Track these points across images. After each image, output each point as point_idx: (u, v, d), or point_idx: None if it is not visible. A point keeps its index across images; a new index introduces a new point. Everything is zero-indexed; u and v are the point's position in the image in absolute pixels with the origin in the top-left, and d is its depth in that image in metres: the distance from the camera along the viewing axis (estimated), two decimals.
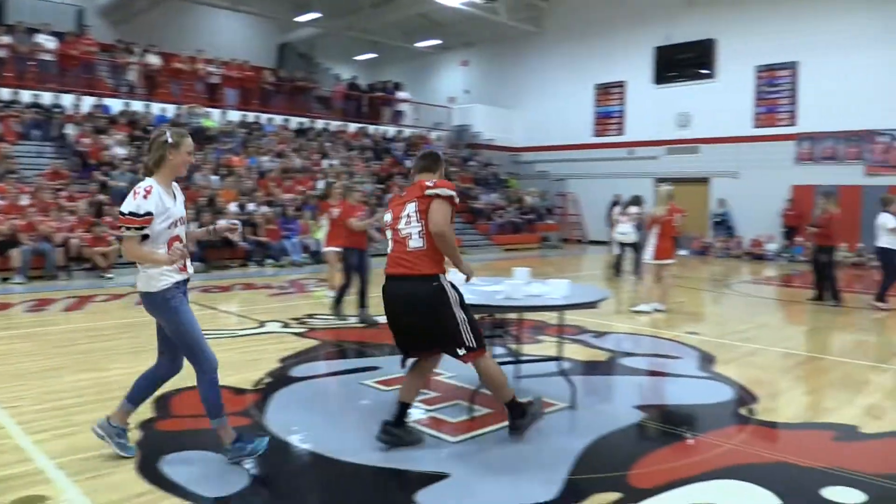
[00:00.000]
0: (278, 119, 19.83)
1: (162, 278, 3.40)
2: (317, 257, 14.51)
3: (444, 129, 24.24)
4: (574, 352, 6.27)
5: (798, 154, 18.94)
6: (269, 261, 13.96)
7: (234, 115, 19.05)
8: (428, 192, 3.74)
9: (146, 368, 3.77)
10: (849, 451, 4.06)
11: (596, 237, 22.59)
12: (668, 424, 4.44)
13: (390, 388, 5.04)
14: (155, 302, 3.43)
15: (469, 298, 4.47)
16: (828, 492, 3.42)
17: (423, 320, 3.78)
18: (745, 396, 5.08)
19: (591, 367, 5.90)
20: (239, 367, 5.59)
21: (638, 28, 21.75)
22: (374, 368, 5.64)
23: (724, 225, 20.01)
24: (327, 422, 4.34)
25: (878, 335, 7.84)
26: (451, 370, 5.54)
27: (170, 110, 17.84)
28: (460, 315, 3.78)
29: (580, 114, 23.34)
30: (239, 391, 4.93)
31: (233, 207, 14.35)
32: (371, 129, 21.52)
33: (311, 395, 4.96)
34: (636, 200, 12.86)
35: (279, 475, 3.56)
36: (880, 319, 8.81)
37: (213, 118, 18.39)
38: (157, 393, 3.95)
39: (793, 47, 18.84)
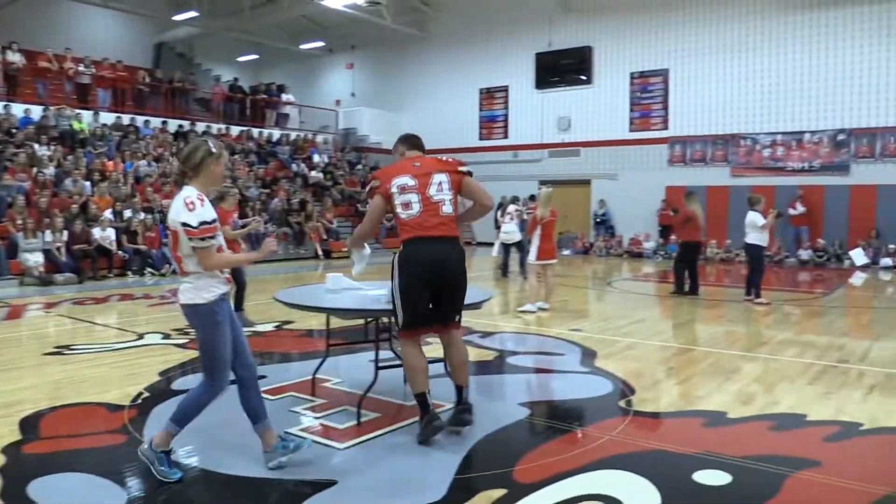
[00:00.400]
0: (156, 121, 19.00)
1: (211, 290, 3.41)
2: None
3: (330, 132, 24.01)
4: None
5: (671, 156, 20.02)
6: (149, 270, 13.35)
7: (108, 118, 18.09)
8: (461, 168, 4.24)
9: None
10: (717, 435, 4.32)
11: (484, 239, 22.99)
12: (553, 420, 4.58)
13: (276, 396, 4.94)
14: (201, 314, 3.42)
15: (354, 303, 4.46)
16: (699, 475, 3.63)
17: (460, 280, 4.09)
18: (624, 389, 5.32)
19: (478, 367, 6.00)
20: (116, 383, 5.34)
21: (520, 34, 22.33)
22: (260, 377, 5.46)
23: (604, 225, 20.86)
24: (211, 435, 4.20)
25: (744, 326, 8.38)
26: (337, 376, 5.50)
27: (35, 112, 16.74)
28: None
29: (466, 117, 23.71)
30: (115, 408, 4.69)
31: (108, 215, 13.64)
32: (255, 132, 21.00)
33: None
34: (514, 199, 13.28)
35: (161, 493, 3.41)
36: (753, 311, 9.42)
37: (84, 120, 17.40)
38: (26, 412, 3.70)
39: (664, 55, 19.91)
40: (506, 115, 23.05)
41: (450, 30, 23.83)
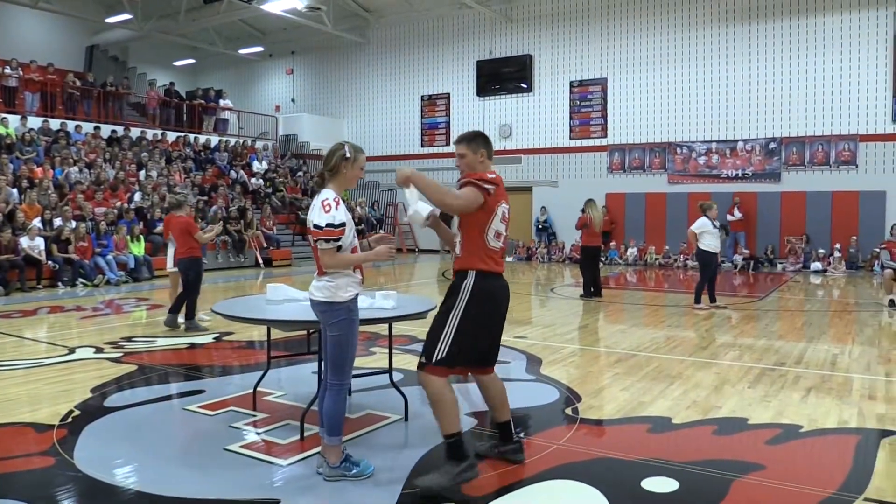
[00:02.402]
0: (87, 126, 18.33)
1: (349, 289, 3.50)
2: (134, 275, 13.58)
3: (269, 138, 23.61)
4: (406, 362, 6.27)
5: (610, 164, 20.35)
6: (81, 281, 12.84)
7: (36, 122, 17.37)
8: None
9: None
10: (663, 441, 4.35)
11: (427, 246, 23.00)
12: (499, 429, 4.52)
13: (216, 412, 4.77)
14: (337, 312, 3.48)
15: (294, 314, 4.33)
16: (647, 483, 3.63)
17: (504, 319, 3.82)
18: (571, 396, 5.32)
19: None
20: (45, 401, 5.08)
21: (461, 42, 22.44)
22: (199, 392, 5.32)
23: (546, 231, 21.05)
24: (148, 454, 3.99)
25: (685, 330, 8.52)
26: (281, 388, 5.35)
27: None
28: None
29: (408, 124, 23.67)
30: (44, 427, 4.44)
31: (36, 223, 13.06)
32: (192, 138, 20.50)
33: (129, 427, 4.53)
34: None
35: None
36: (694, 317, 9.60)
37: (10, 125, 16.67)
38: None
39: (602, 65, 20.27)
40: (448, 122, 23.08)
41: (391, 36, 23.77)
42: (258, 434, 4.33)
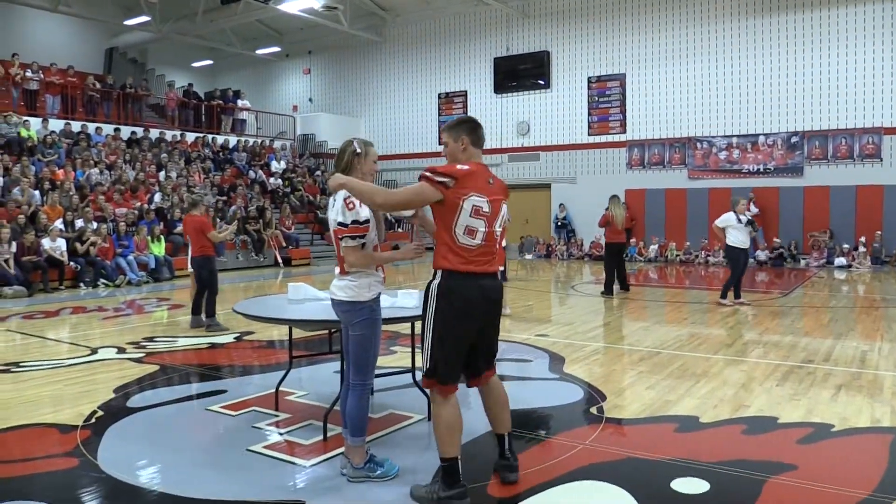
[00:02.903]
0: (108, 128, 18.48)
1: (372, 288, 3.48)
2: (155, 275, 13.65)
3: (287, 138, 23.68)
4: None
5: (629, 160, 20.19)
6: (103, 281, 12.92)
7: (57, 125, 17.54)
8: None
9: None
10: (691, 441, 4.26)
11: None
12: (525, 429, 4.46)
13: (238, 412, 4.75)
14: (360, 311, 3.46)
15: (315, 314, 4.30)
16: (677, 484, 3.55)
17: (497, 320, 3.54)
18: (595, 395, 5.24)
19: None
20: (68, 402, 5.09)
21: (478, 39, 22.36)
22: (221, 392, 5.30)
23: (565, 228, 20.93)
24: (171, 455, 3.98)
25: (708, 328, 8.40)
26: (303, 388, 5.33)
27: None
28: None
29: (425, 122, 23.62)
30: (67, 428, 4.45)
31: (58, 224, 13.17)
32: (211, 138, 20.59)
33: (152, 427, 4.53)
34: None
35: None
36: (718, 313, 9.47)
37: (32, 128, 16.83)
38: None
39: (620, 60, 20.10)
40: None
41: (407, 35, 23.73)
42: (281, 434, 4.29)
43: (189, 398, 5.18)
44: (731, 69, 18.48)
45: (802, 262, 17.23)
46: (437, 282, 3.32)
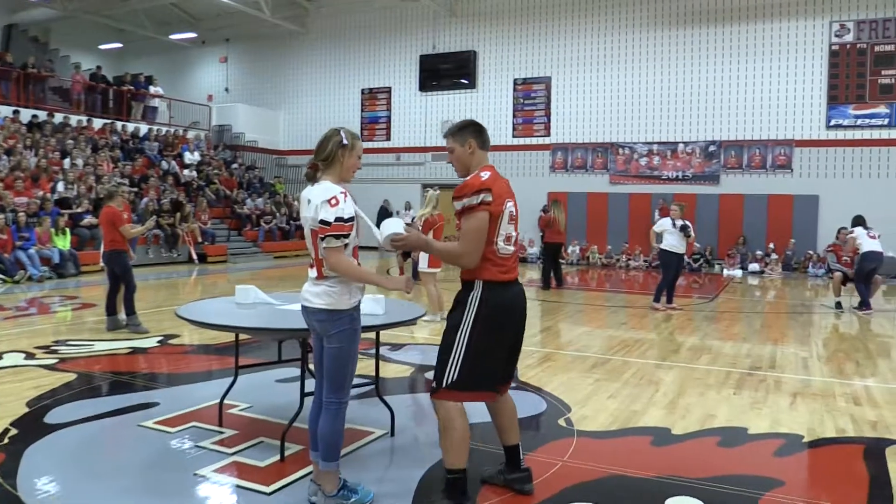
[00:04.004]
0: (6, 110, 17.02)
1: (353, 295, 3.14)
2: (59, 271, 12.62)
3: (202, 128, 22.58)
4: (394, 372, 5.83)
5: (553, 163, 20.30)
6: (0, 276, 11.81)
7: None
8: None
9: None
10: (670, 455, 4.09)
11: (365, 243, 22.40)
12: (493, 444, 4.15)
13: (176, 428, 4.24)
14: (339, 321, 3.09)
15: (272, 322, 3.88)
16: (670, 502, 3.36)
17: (524, 327, 3.43)
18: (558, 406, 5.02)
19: (395, 385, 5.52)
20: None
21: (404, 35, 22.01)
22: (152, 405, 4.76)
23: None
24: (106, 483, 3.45)
25: (649, 332, 8.37)
26: (244, 399, 4.82)
27: None
28: None
29: (347, 118, 23.02)
30: None
31: None
32: (120, 125, 19.35)
33: (79, 448, 3.94)
34: (408, 206, 13.20)
35: None
36: (654, 318, 9.48)
37: None
38: None
39: (546, 63, 20.21)
40: (388, 117, 22.61)
41: (331, 27, 23.11)
42: (228, 455, 3.83)
43: (117, 412, 4.57)
44: (654, 77, 18.85)
45: (716, 268, 17.72)
46: (477, 293, 3.19)
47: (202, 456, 3.81)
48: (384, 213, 22.00)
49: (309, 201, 3.12)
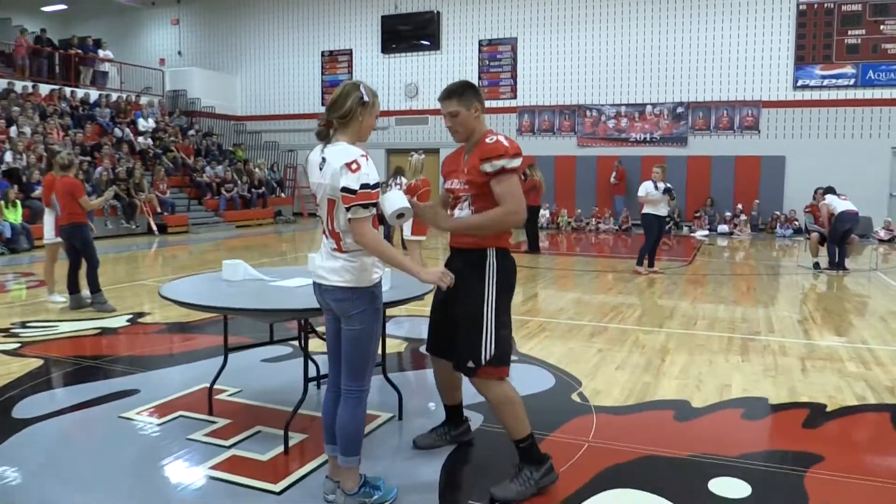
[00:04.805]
0: None
1: (375, 271, 2.81)
2: (11, 246, 11.94)
3: (155, 94, 21.61)
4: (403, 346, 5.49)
5: (520, 126, 19.96)
6: None
7: None
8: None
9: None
10: (697, 431, 3.86)
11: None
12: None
13: (163, 419, 3.86)
14: (360, 300, 2.75)
15: (267, 301, 3.51)
16: (714, 486, 3.13)
17: None
18: (567, 380, 4.76)
19: (392, 362, 5.19)
20: None
21: None
22: (132, 392, 4.35)
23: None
24: (93, 489, 3.05)
25: (636, 297, 8.18)
26: (233, 384, 4.44)
27: None
28: None
29: (307, 81, 22.37)
30: None
31: None
32: (68, 91, 18.35)
33: (56, 446, 3.51)
34: (399, 171, 12.47)
35: None
36: (637, 283, 9.29)
37: None
38: None
39: (512, 24, 19.75)
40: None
41: None
42: (227, 448, 3.47)
43: (94, 402, 4.14)
44: (621, 38, 18.57)
45: (685, 230, 17.69)
46: (493, 261, 3.08)
47: (196, 450, 3.44)
48: None
49: (323, 163, 2.73)
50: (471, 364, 3.02)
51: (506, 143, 3.02)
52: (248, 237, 15.55)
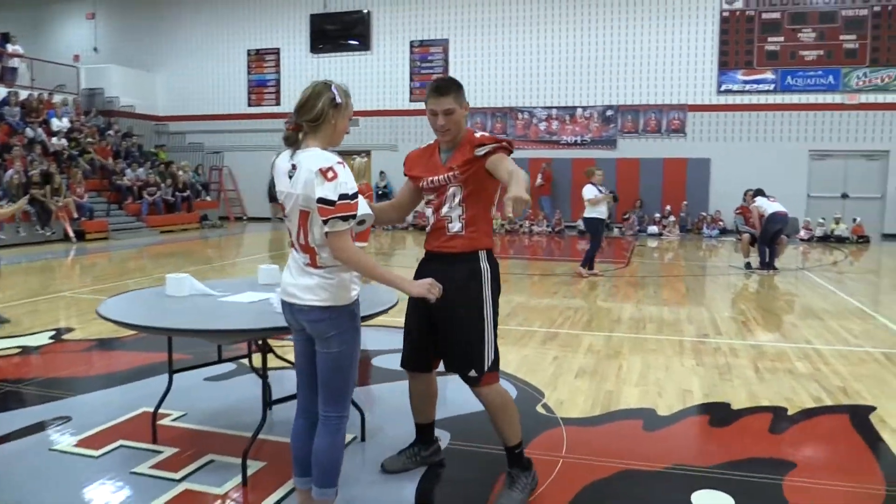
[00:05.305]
0: None
1: (353, 288, 2.59)
2: None
3: (69, 92, 20.51)
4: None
5: None
6: None
7: None
8: None
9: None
10: (668, 441, 3.79)
11: (257, 213, 21.38)
12: (478, 442, 3.70)
13: (100, 450, 3.50)
14: (341, 318, 2.53)
15: (219, 321, 3.24)
16: (698, 498, 3.05)
17: None
18: (528, 390, 4.63)
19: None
20: None
21: None
22: (63, 419, 3.96)
23: (387, 198, 20.23)
24: None
25: (584, 301, 8.15)
26: (176, 407, 4.09)
27: None
28: None
29: (232, 81, 21.69)
30: None
31: None
32: None
33: None
34: None
35: None
36: (580, 286, 9.28)
37: None
38: None
39: (444, 26, 19.66)
40: (278, 80, 21.40)
41: None
42: (178, 481, 3.17)
43: (19, 434, 3.71)
44: (553, 42, 18.73)
45: (615, 231, 17.94)
46: (484, 265, 3.01)
47: (143, 486, 3.12)
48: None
49: (293, 171, 2.51)
50: (473, 373, 2.93)
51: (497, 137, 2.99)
52: (173, 243, 14.90)
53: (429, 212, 3.07)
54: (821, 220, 16.63)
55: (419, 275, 3.04)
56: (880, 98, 16.79)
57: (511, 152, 2.95)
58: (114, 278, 9.71)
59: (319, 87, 2.56)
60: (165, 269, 10.72)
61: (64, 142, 17.38)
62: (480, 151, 2.89)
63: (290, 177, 2.51)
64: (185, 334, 3.22)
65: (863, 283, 10.21)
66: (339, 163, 2.45)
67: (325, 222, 2.41)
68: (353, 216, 2.44)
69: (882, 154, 17.00)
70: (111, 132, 19.56)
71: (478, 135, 2.98)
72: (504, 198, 2.61)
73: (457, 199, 2.96)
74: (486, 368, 2.93)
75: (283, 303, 2.62)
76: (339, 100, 2.55)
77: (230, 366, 4.86)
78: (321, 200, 2.40)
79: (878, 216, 17.07)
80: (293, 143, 2.55)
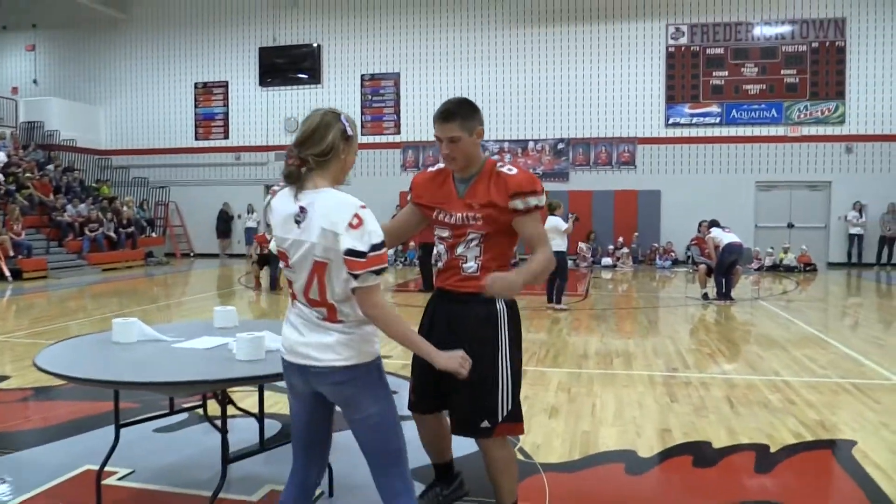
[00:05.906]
0: None
1: (374, 341, 2.26)
2: None
3: (7, 125, 19.76)
4: (280, 404, 4.93)
5: (404, 161, 19.78)
6: None
7: None
8: None
9: None
10: (654, 485, 3.62)
11: (204, 250, 20.84)
12: (470, 496, 3.46)
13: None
14: (369, 376, 2.23)
15: (173, 370, 2.95)
16: None
17: None
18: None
19: None
20: None
21: (241, 25, 20.58)
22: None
23: None
24: None
25: (548, 335, 7.99)
26: (122, 464, 3.73)
27: None
28: None
29: (179, 114, 21.26)
30: None
31: None
32: None
33: None
34: (250, 209, 12.00)
35: None
36: (541, 320, 9.13)
37: None
38: None
39: (395, 59, 19.67)
40: (226, 114, 21.05)
41: (158, 14, 21.13)
42: None
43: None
44: (503, 75, 18.88)
45: (570, 263, 17.96)
46: (500, 306, 2.78)
47: None
48: (224, 218, 20.50)
49: (303, 214, 2.18)
50: (486, 424, 2.71)
51: (536, 178, 2.78)
52: (117, 281, 14.32)
53: (441, 247, 2.84)
54: (769, 250, 16.95)
55: (430, 315, 2.91)
56: (821, 130, 17.34)
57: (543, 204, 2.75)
58: (53, 320, 9.19)
59: (329, 118, 2.25)
60: (108, 309, 10.23)
61: (0, 177, 16.65)
62: (517, 205, 2.66)
63: (298, 221, 2.19)
64: (137, 387, 2.89)
65: (816, 312, 10.33)
66: (361, 206, 2.15)
67: (355, 277, 2.12)
68: (385, 268, 2.17)
69: (825, 184, 17.50)
70: (51, 167, 18.87)
71: (508, 171, 2.71)
72: (491, 275, 2.47)
73: (474, 242, 2.75)
74: (500, 419, 2.73)
75: (289, 364, 2.30)
76: (349, 132, 2.27)
77: (182, 415, 4.52)
78: (350, 252, 2.09)
79: (823, 245, 17.51)
80: (296, 179, 2.22)
